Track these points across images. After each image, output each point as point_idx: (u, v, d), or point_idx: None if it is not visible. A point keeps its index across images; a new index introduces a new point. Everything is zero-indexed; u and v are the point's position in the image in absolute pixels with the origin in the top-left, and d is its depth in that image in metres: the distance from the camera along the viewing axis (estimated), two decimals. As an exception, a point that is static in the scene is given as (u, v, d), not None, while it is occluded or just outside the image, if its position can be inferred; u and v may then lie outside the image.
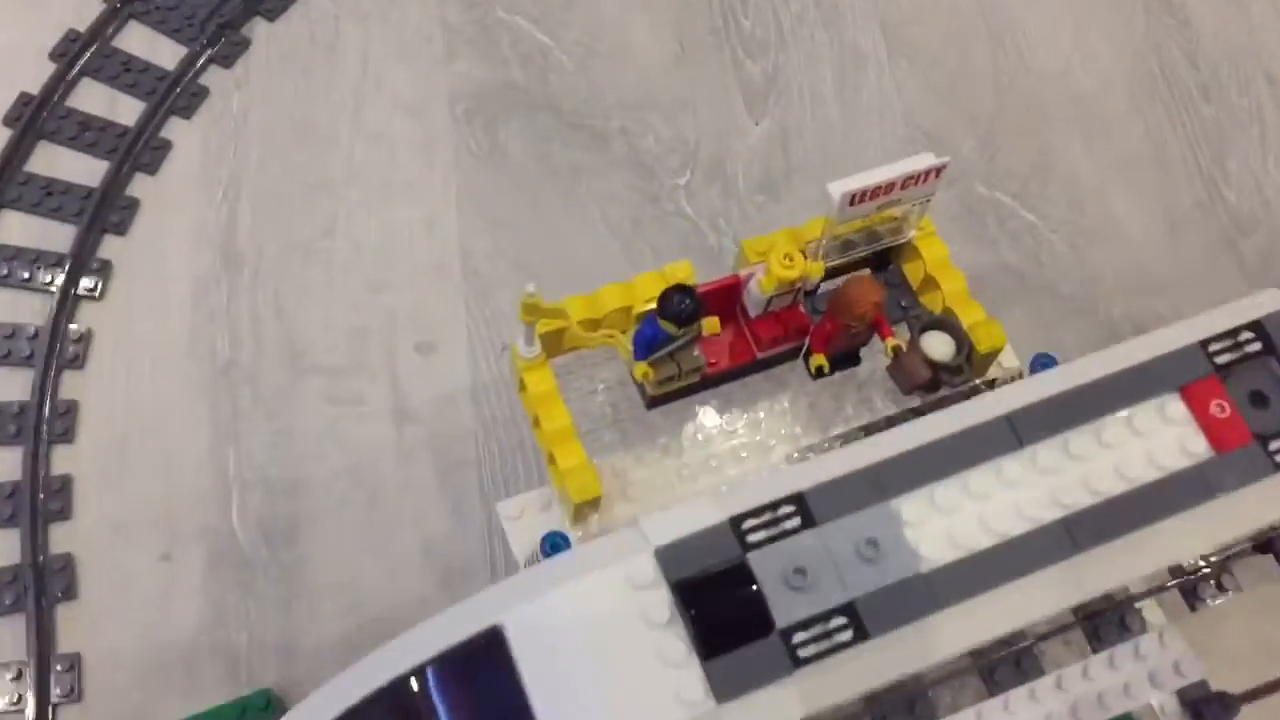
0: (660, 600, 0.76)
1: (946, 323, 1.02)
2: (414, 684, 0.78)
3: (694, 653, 0.75)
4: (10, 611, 1.24)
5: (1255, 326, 0.88)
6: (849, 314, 0.99)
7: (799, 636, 0.76)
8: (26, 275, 1.41)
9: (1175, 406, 0.84)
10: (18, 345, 1.38)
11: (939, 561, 0.79)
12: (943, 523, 0.81)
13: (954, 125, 1.60)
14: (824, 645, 0.76)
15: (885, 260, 1.10)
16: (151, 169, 1.50)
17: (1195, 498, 0.82)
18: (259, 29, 1.60)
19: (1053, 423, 0.84)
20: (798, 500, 0.80)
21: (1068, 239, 1.54)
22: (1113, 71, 1.67)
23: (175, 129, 1.53)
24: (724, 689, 0.74)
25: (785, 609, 0.77)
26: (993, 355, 1.02)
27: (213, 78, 1.56)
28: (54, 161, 1.49)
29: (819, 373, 1.03)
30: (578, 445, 0.95)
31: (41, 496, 1.30)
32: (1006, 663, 0.99)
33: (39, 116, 1.50)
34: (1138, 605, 1.02)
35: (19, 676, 1.21)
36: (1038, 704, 0.97)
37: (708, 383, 1.04)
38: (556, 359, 1.03)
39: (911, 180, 0.98)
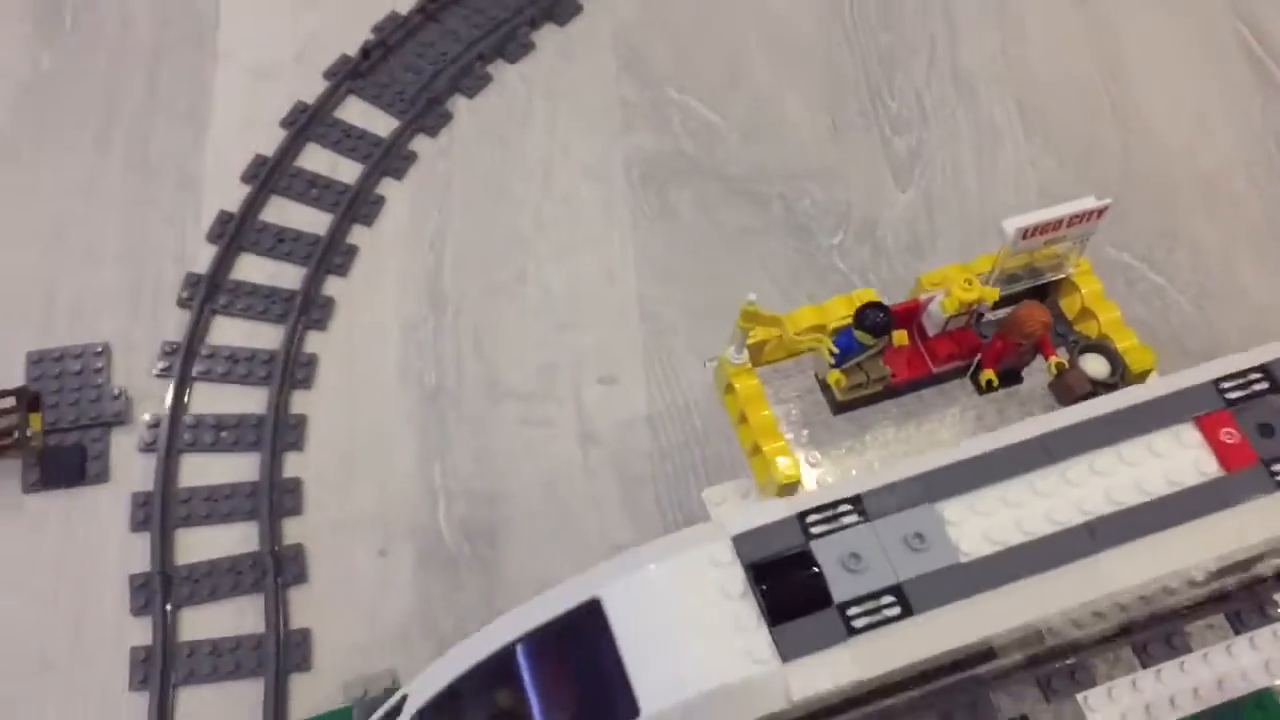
0: (735, 577, 0.89)
1: (1103, 346, 1.16)
2: (523, 649, 0.90)
3: (763, 621, 0.87)
4: (252, 591, 1.42)
5: (1263, 369, 1.00)
6: (1020, 333, 1.13)
7: (853, 610, 0.88)
8: (263, 309, 1.61)
9: (1190, 434, 0.96)
10: (256, 368, 1.57)
11: (977, 554, 0.91)
12: (981, 523, 0.93)
13: (1083, 193, 1.75)
14: (875, 619, 0.88)
15: (1043, 294, 1.25)
16: (368, 221, 1.70)
17: (1206, 508, 0.93)
18: (460, 104, 1.81)
19: (1081, 444, 0.96)
20: (855, 500, 0.93)
21: (1194, 300, 1.67)
22: (1233, 151, 1.81)
23: (389, 188, 1.73)
24: (788, 650, 0.86)
25: (842, 587, 0.89)
26: (1144, 375, 1.15)
27: (421, 145, 1.77)
28: (286, 213, 1.69)
29: (988, 387, 1.17)
30: (781, 436, 1.10)
31: (277, 495, 1.48)
32: (1158, 640, 1.10)
33: (273, 175, 1.71)
34: (1276, 596, 1.13)
35: (258, 646, 1.38)
36: (1186, 676, 1.08)
37: (888, 393, 1.18)
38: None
39: (1076, 219, 1.13)
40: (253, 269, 1.65)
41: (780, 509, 0.91)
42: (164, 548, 1.44)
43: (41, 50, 1.81)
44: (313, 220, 1.68)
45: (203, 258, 1.64)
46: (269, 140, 1.74)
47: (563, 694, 0.86)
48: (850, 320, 1.12)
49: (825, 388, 1.19)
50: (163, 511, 1.46)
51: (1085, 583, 0.91)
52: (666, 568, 0.89)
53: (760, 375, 1.19)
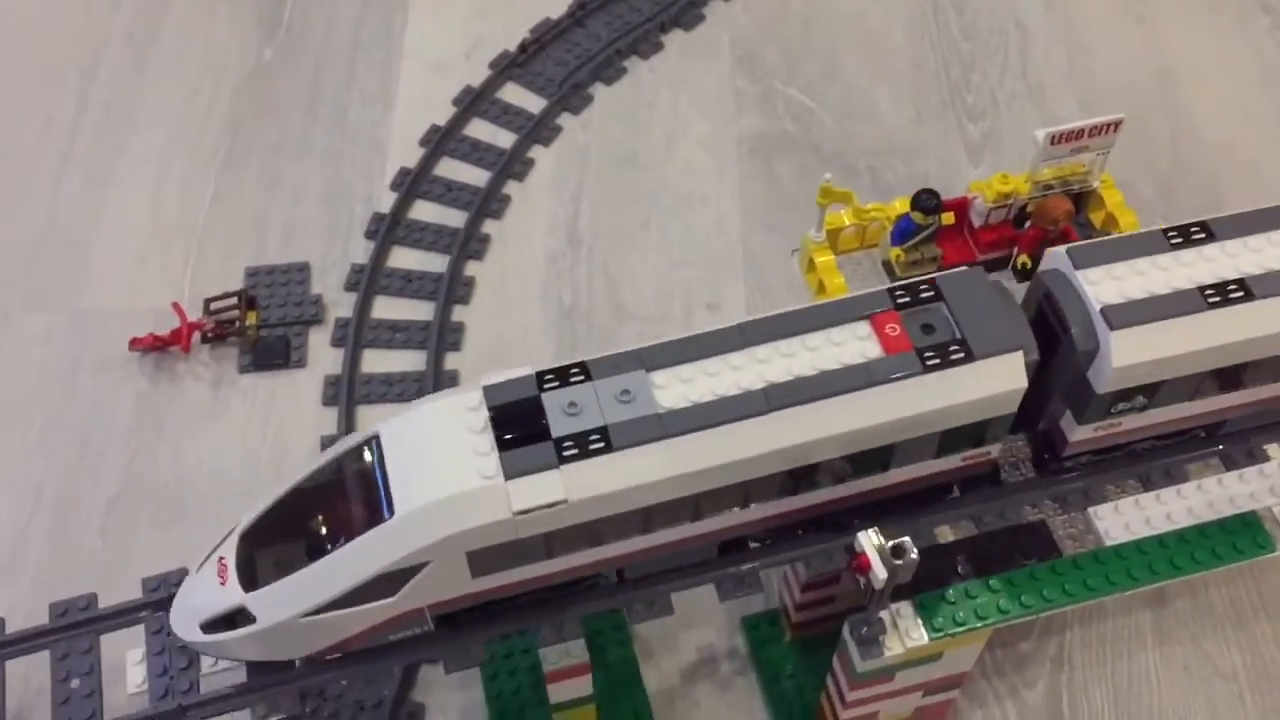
0: (480, 416, 1.04)
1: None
2: (324, 474, 1.07)
3: (495, 449, 1.02)
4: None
5: (932, 284, 1.13)
6: (1047, 219, 1.37)
7: (566, 444, 1.03)
8: (432, 241, 1.92)
9: (864, 328, 1.10)
10: (425, 285, 1.87)
11: (672, 407, 1.06)
12: (681, 387, 1.07)
13: (1137, 175, 1.97)
14: (580, 452, 1.03)
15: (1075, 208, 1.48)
16: (520, 178, 2.01)
17: (863, 383, 1.07)
18: (599, 90, 2.12)
19: (773, 332, 1.10)
20: (582, 365, 1.08)
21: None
22: (1271, 142, 2.02)
23: (537, 153, 2.04)
24: (510, 471, 1.01)
25: (559, 426, 1.03)
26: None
27: (565, 121, 2.08)
28: (454, 170, 2.01)
29: (1022, 269, 1.40)
30: (851, 297, 1.35)
31: (439, 382, 1.77)
32: (1159, 470, 1.31)
33: (444, 140, 2.04)
34: (1265, 446, 1.33)
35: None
36: (1181, 499, 1.28)
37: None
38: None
39: (1096, 130, 1.37)
40: (425, 212, 1.97)
41: (524, 371, 1.08)
42: (348, 418, 1.74)
43: (265, 46, 2.19)
44: (475, 176, 2.00)
45: (386, 201, 1.97)
46: (442, 115, 2.07)
47: (346, 508, 1.05)
48: (906, 210, 1.38)
49: (889, 270, 1.44)
50: (348, 391, 1.77)
51: (757, 437, 1.06)
52: (430, 407, 1.07)
53: (837, 264, 1.45)
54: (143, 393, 1.78)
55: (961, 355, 1.08)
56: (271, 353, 1.81)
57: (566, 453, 1.02)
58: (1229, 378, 1.17)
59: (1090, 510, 1.29)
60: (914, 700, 1.38)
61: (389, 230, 1.92)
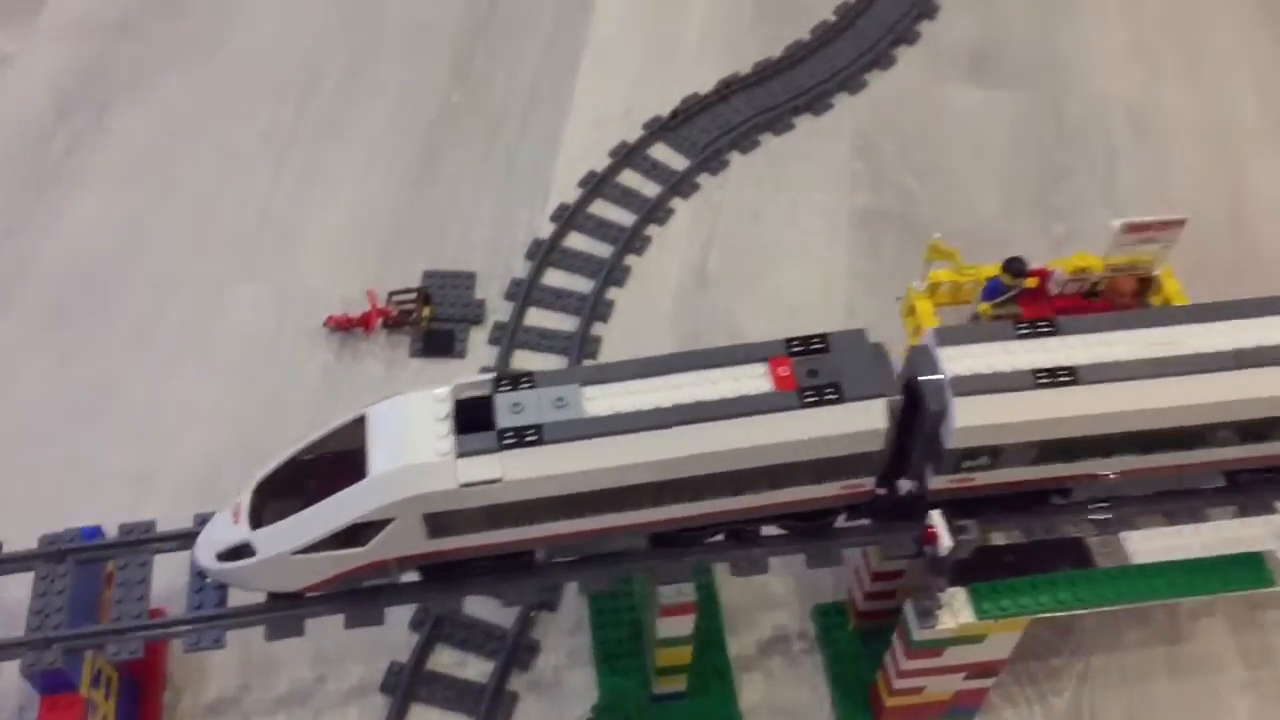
0: (446, 406, 1.28)
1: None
2: (319, 444, 1.32)
3: (453, 432, 1.26)
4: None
5: (822, 336, 1.34)
6: (1115, 294, 1.62)
7: (507, 434, 1.25)
8: (581, 266, 2.20)
9: (761, 367, 1.30)
10: (572, 303, 2.13)
11: (596, 414, 1.27)
12: (607, 400, 1.28)
13: (1199, 274, 2.21)
14: (516, 442, 1.25)
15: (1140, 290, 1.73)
16: (660, 222, 2.29)
17: (749, 410, 1.27)
18: (735, 157, 2.41)
19: (687, 364, 1.31)
20: (531, 376, 1.30)
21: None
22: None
23: (677, 204, 2.32)
24: (461, 451, 1.24)
25: (504, 421, 1.26)
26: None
27: (703, 179, 2.36)
28: (605, 210, 2.29)
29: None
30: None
31: (578, 380, 2.06)
32: (1182, 514, 1.54)
33: (600, 185, 2.32)
34: (1275, 502, 1.55)
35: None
36: (1198, 535, 1.50)
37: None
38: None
39: (1161, 225, 1.62)
40: (578, 242, 2.27)
41: (485, 376, 1.32)
42: (497, 402, 2.04)
43: (454, 90, 2.53)
44: (622, 217, 2.30)
45: (546, 230, 2.27)
46: (599, 163, 2.38)
47: (336, 470, 1.29)
48: (998, 273, 1.65)
49: (977, 320, 1.70)
50: (499, 380, 2.06)
51: (659, 445, 1.28)
52: (409, 397, 1.31)
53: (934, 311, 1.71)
54: (329, 364, 2.09)
55: (835, 397, 1.27)
56: (439, 343, 2.11)
57: (506, 441, 1.26)
58: (1065, 449, 1.36)
59: (1121, 534, 1.53)
60: (956, 682, 1.61)
61: (546, 253, 2.23)
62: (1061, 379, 1.33)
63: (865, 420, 1.31)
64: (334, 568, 1.35)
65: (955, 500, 1.44)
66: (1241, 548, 1.51)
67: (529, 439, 1.27)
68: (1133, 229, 1.62)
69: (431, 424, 1.29)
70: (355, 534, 1.30)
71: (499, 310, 2.16)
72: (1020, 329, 1.37)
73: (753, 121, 2.45)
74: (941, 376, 1.33)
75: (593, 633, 1.76)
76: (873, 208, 2.34)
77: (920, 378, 1.35)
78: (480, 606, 1.80)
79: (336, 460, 1.32)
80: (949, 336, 1.37)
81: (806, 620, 1.81)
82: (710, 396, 1.30)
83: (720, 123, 2.46)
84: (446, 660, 1.77)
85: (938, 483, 1.41)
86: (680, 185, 2.35)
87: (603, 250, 2.24)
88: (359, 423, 1.33)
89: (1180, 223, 1.63)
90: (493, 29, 2.64)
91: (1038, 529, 1.52)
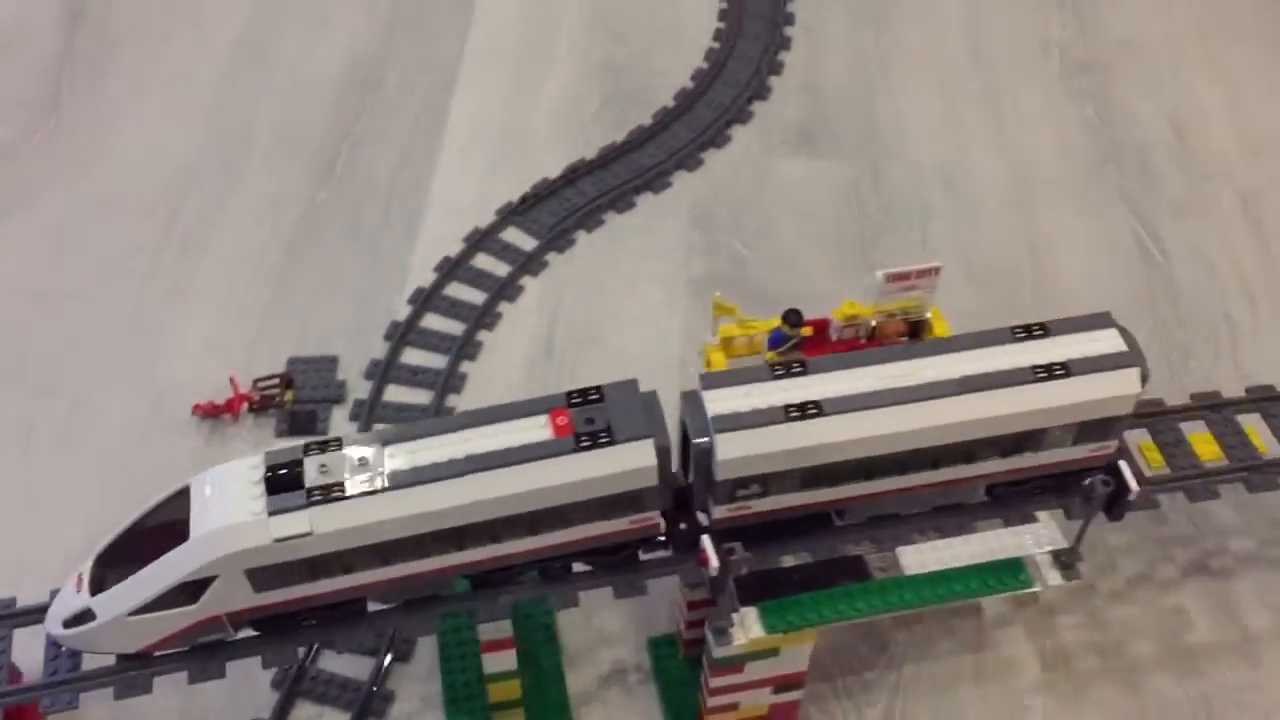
0: (259, 472, 1.40)
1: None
2: (148, 516, 1.45)
3: (264, 494, 1.39)
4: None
5: (597, 388, 1.48)
6: (885, 338, 1.80)
7: (314, 492, 1.38)
8: (436, 344, 2.35)
9: (543, 419, 1.44)
10: (427, 378, 2.30)
11: (395, 469, 1.41)
12: (406, 457, 1.41)
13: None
14: (323, 499, 1.38)
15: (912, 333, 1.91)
16: (511, 299, 2.45)
17: (530, 457, 1.41)
18: (581, 235, 2.58)
19: (474, 421, 1.45)
20: (339, 440, 1.43)
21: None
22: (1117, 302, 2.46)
23: (527, 281, 2.48)
24: (273, 509, 1.37)
25: (312, 480, 1.39)
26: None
27: (552, 258, 2.53)
28: (459, 291, 2.47)
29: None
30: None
31: (431, 449, 2.21)
32: (952, 528, 1.71)
33: (454, 268, 2.49)
34: (1035, 511, 1.72)
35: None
36: (967, 545, 1.66)
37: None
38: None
39: (920, 273, 1.81)
40: (433, 322, 2.42)
41: (296, 443, 1.45)
42: (357, 474, 2.17)
43: (319, 189, 2.71)
44: (475, 296, 2.47)
45: (403, 312, 2.43)
46: (454, 249, 2.55)
47: (164, 536, 1.41)
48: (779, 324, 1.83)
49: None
50: (359, 454, 2.20)
51: (452, 493, 1.41)
52: (228, 465, 1.43)
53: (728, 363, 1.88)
54: (199, 449, 2.22)
55: (607, 440, 1.40)
56: (303, 422, 2.25)
57: (313, 498, 1.39)
58: (826, 475, 1.50)
59: (897, 549, 1.69)
60: (766, 696, 1.76)
61: (403, 334, 2.38)
62: (810, 412, 1.50)
63: (636, 459, 1.46)
64: (171, 626, 1.47)
65: (741, 528, 1.59)
66: (1005, 555, 1.67)
67: (335, 495, 1.41)
68: (893, 278, 1.81)
69: (247, 487, 1.42)
70: (185, 593, 1.43)
71: (359, 389, 2.31)
72: (776, 371, 1.54)
73: (597, 202, 2.65)
74: (706, 415, 1.50)
75: (442, 678, 1.89)
76: (708, 273, 2.52)
77: (689, 418, 1.52)
78: (338, 662, 1.93)
79: (166, 528, 1.44)
80: (713, 381, 1.54)
81: (642, 653, 1.95)
82: (496, 447, 1.44)
83: (567, 205, 2.65)
84: (306, 714, 1.88)
85: (719, 512, 1.57)
86: (529, 264, 2.53)
87: (456, 328, 2.41)
88: (184, 493, 1.46)
89: (936, 270, 1.82)
90: (356, 134, 2.82)
91: (821, 550, 1.68)
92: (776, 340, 1.83)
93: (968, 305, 2.41)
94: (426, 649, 1.95)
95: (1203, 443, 1.86)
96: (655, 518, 1.56)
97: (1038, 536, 1.69)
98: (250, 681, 1.88)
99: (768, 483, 1.53)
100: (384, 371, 2.33)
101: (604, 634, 1.97)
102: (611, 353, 2.37)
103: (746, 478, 1.52)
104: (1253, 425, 1.89)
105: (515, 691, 1.75)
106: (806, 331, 1.82)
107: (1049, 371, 1.54)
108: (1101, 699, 1.90)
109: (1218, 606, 2.02)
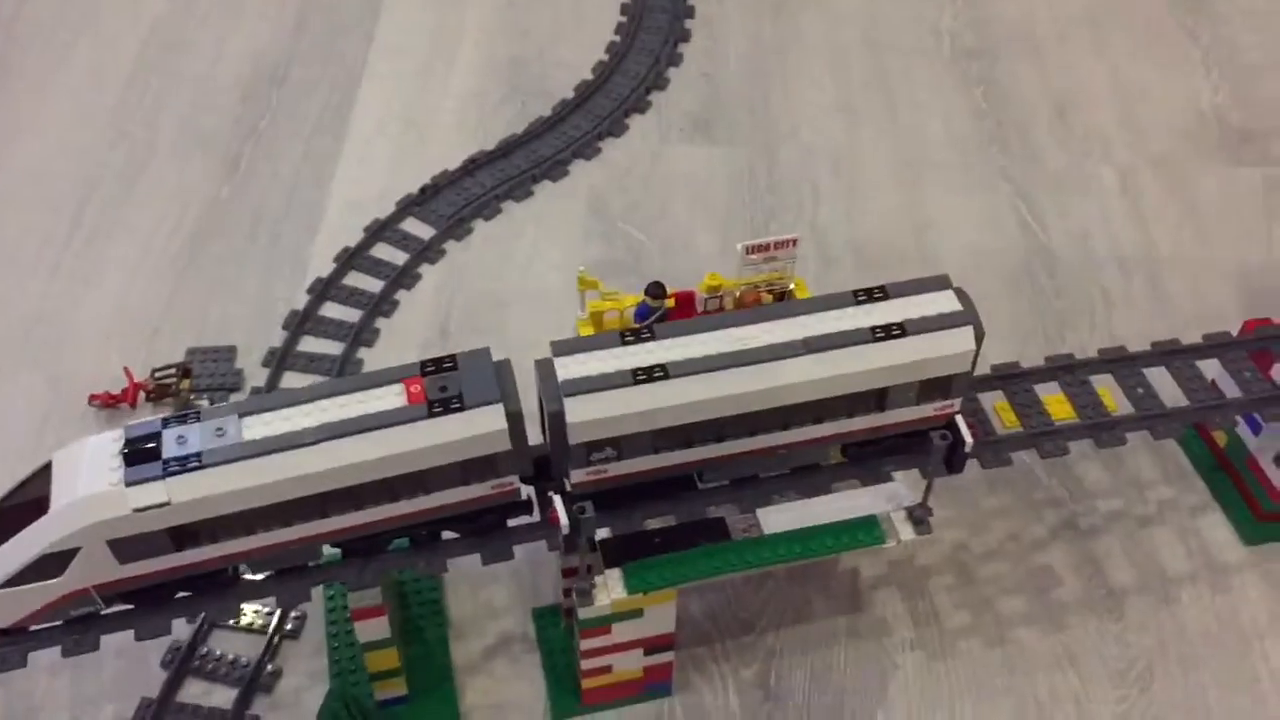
0: (118, 445, 1.42)
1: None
2: (18, 491, 1.45)
3: (122, 465, 1.41)
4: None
5: (451, 357, 1.51)
6: (745, 305, 1.86)
7: (171, 463, 1.40)
8: (334, 332, 2.39)
9: (398, 387, 1.47)
10: (324, 365, 2.34)
11: (251, 438, 1.43)
12: (262, 427, 1.43)
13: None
14: (180, 469, 1.40)
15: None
16: (409, 287, 2.48)
17: (384, 424, 1.44)
18: (480, 224, 2.63)
19: (336, 390, 1.48)
20: (198, 412, 1.46)
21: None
22: (994, 274, 2.53)
23: (425, 269, 2.53)
24: (130, 480, 1.39)
25: (170, 451, 1.41)
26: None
27: (450, 246, 2.57)
28: (359, 280, 2.50)
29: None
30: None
31: (325, 433, 2.24)
32: (810, 489, 1.76)
33: (353, 258, 2.52)
34: (891, 470, 1.77)
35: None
36: (826, 505, 1.70)
37: (673, 348, 1.90)
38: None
39: (779, 244, 1.86)
40: (332, 310, 2.46)
41: (156, 417, 1.48)
42: (252, 459, 2.20)
43: (224, 184, 2.73)
44: (373, 285, 2.50)
45: (302, 302, 2.46)
46: (354, 239, 2.59)
47: (29, 511, 1.42)
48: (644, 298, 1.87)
49: (636, 342, 1.92)
50: (254, 439, 2.23)
51: (309, 460, 1.43)
52: (88, 440, 1.45)
53: (603, 339, 1.93)
54: (97, 438, 2.24)
55: (458, 406, 1.43)
56: (198, 410, 2.27)
57: (170, 469, 1.41)
58: (677, 437, 1.54)
59: (758, 510, 1.74)
60: (638, 658, 1.80)
61: (301, 322, 2.41)
62: (656, 375, 1.54)
63: (486, 423, 1.50)
64: (39, 600, 1.49)
65: (602, 491, 1.63)
66: (860, 513, 1.72)
67: (191, 465, 1.43)
68: (754, 249, 1.86)
69: (106, 460, 1.45)
70: (51, 565, 1.45)
71: (257, 377, 2.34)
72: (626, 338, 1.59)
73: (495, 192, 2.68)
74: (557, 381, 1.54)
75: (328, 654, 1.92)
76: (604, 259, 2.56)
77: (541, 384, 1.55)
78: (228, 641, 1.96)
79: (31, 505, 1.46)
80: (564, 348, 1.58)
81: (528, 624, 1.99)
82: (351, 415, 1.48)
83: (465, 195, 2.69)
84: (195, 691, 1.91)
85: (578, 476, 1.61)
86: (427, 253, 2.57)
87: (354, 316, 2.44)
88: (47, 468, 1.48)
89: (793, 241, 1.87)
90: (261, 131, 2.85)
91: (684, 512, 1.72)
92: (642, 313, 1.88)
93: (853, 284, 2.46)
94: (314, 627, 1.98)
95: (1056, 403, 1.92)
96: (514, 483, 1.60)
97: (891, 494, 1.75)
98: (140, 661, 1.90)
99: (621, 446, 1.57)
100: (281, 359, 2.35)
101: (491, 607, 2.01)
102: (508, 337, 2.41)
103: (599, 441, 1.56)
104: (1106, 386, 1.95)
105: (393, 660, 1.78)
106: (670, 303, 1.87)
107: (887, 332, 1.59)
108: (969, 652, 1.96)
109: (1084, 563, 2.08)
